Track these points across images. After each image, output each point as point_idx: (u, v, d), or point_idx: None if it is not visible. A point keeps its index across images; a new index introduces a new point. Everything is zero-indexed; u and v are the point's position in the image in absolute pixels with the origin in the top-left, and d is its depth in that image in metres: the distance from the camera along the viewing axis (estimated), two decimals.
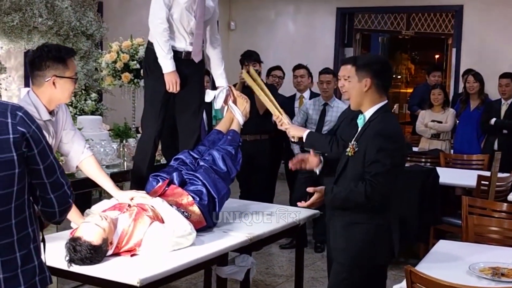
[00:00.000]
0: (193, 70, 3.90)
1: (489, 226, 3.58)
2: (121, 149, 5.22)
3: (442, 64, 13.00)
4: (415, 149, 7.02)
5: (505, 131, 6.66)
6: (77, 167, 3.38)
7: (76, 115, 6.06)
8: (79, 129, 4.93)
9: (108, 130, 5.54)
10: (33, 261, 1.93)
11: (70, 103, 6.36)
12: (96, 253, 2.79)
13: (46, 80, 2.96)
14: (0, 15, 5.65)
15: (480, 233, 3.59)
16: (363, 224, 2.99)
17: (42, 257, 2.00)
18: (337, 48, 9.52)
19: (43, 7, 5.94)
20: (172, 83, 3.74)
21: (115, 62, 5.72)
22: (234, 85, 5.68)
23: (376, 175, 2.87)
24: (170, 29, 3.78)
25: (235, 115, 4.04)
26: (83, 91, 6.53)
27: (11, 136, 1.84)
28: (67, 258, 2.77)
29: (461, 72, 8.59)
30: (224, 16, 10.17)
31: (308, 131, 3.63)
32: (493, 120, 6.69)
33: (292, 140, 3.76)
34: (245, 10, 10.17)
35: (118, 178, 4.91)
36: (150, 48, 3.86)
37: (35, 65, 2.99)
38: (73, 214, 3.02)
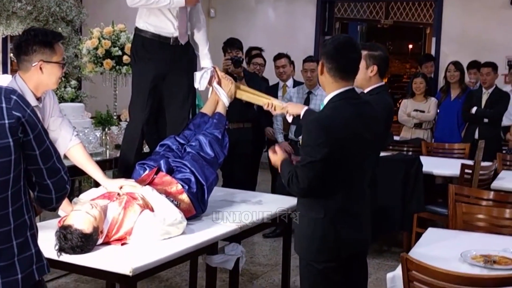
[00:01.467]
0: (181, 55, 3.85)
1: (478, 214, 3.59)
2: (103, 137, 5.14)
3: (420, 53, 13.10)
4: (396, 138, 7.06)
5: (485, 120, 6.71)
6: (64, 155, 3.30)
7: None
8: None
9: (90, 118, 5.46)
10: (30, 249, 1.88)
11: None
12: (87, 242, 2.74)
13: (33, 65, 2.89)
14: None
15: (468, 221, 3.60)
16: (303, 217, 2.84)
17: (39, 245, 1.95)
18: (317, 36, 9.49)
19: None
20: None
21: (96, 48, 5.62)
22: None
23: (296, 167, 2.72)
24: (157, 15, 3.71)
25: (220, 96, 3.97)
26: (63, 78, 6.42)
27: (6, 121, 1.78)
28: (57, 247, 2.71)
29: (441, 61, 8.64)
30: (204, 4, 10.02)
31: (306, 107, 3.52)
32: (474, 109, 6.73)
33: (288, 120, 3.70)
34: None
35: (101, 167, 4.83)
36: (137, 34, 3.80)
37: (21, 50, 2.91)
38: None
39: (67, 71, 6.38)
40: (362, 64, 3.73)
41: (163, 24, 3.76)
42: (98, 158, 4.82)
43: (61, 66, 2.97)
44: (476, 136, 6.65)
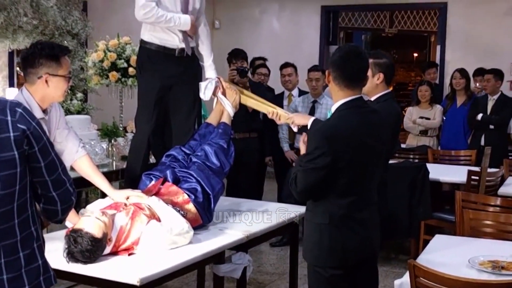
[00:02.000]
0: (186, 67, 3.87)
1: (485, 220, 3.59)
2: (110, 149, 5.17)
3: (424, 62, 13.09)
4: (402, 145, 7.05)
5: (491, 127, 6.71)
6: (71, 166, 3.32)
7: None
8: None
9: (96, 130, 5.49)
10: (37, 261, 1.88)
11: None
12: (97, 246, 2.76)
13: (39, 77, 2.91)
14: None
15: (475, 227, 3.60)
16: (310, 223, 2.86)
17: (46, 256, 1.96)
18: (322, 45, 9.52)
19: (28, 6, 5.87)
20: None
21: (102, 61, 5.65)
22: None
23: (298, 170, 2.75)
24: (162, 27, 3.75)
25: (225, 106, 3.99)
26: (69, 91, 6.46)
27: (11, 134, 1.79)
28: (66, 251, 2.73)
29: (446, 68, 8.64)
30: (208, 15, 10.03)
31: (312, 118, 3.55)
32: (479, 116, 6.73)
33: (294, 130, 3.71)
34: (230, 8, 10.14)
35: (108, 178, 4.85)
36: (142, 46, 3.82)
37: (28, 62, 2.94)
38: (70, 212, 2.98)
39: (73, 83, 6.42)
40: (368, 72, 3.76)
41: (168, 36, 3.78)
42: (105, 170, 4.85)
43: (67, 80, 2.99)
44: (482, 142, 6.64)
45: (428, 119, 7.00)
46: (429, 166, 5.51)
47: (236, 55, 5.88)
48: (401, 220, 5.32)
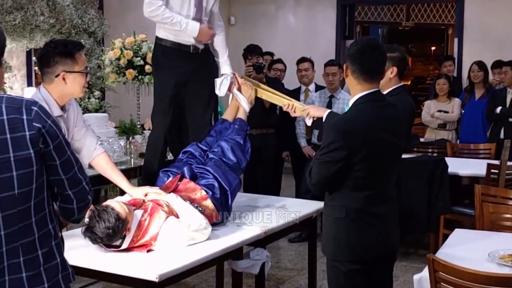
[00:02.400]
0: (201, 63, 3.87)
1: (505, 213, 3.55)
2: (127, 146, 5.19)
3: (442, 55, 12.99)
4: (421, 139, 7.00)
5: (510, 120, 6.63)
6: (89, 164, 3.34)
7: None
8: None
9: (114, 128, 5.51)
10: (55, 258, 1.89)
11: None
12: (118, 226, 2.80)
13: (56, 76, 2.93)
14: (2, 14, 5.61)
15: (495, 220, 3.56)
16: (328, 217, 2.85)
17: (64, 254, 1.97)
18: (338, 40, 9.48)
19: (44, 6, 5.92)
20: (207, 36, 3.76)
21: (118, 59, 5.68)
22: None
23: (314, 162, 2.75)
24: None
25: (240, 102, 3.98)
26: (87, 89, 6.49)
27: (27, 133, 1.79)
28: (86, 226, 2.79)
29: (464, 62, 8.56)
30: (224, 11, 10.10)
31: (328, 110, 3.52)
32: (498, 109, 6.66)
33: (307, 123, 3.69)
34: (245, 4, 10.13)
35: (126, 175, 4.87)
36: (157, 43, 3.84)
37: (43, 62, 2.96)
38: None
39: (90, 82, 6.46)
40: None
41: (180, 34, 3.79)
42: (123, 167, 4.86)
43: (84, 75, 3.00)
44: (502, 136, 6.57)
45: (447, 112, 6.94)
46: (448, 160, 5.48)
47: (252, 51, 5.87)
48: (420, 214, 5.30)
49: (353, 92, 2.83)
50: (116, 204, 2.89)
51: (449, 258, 2.86)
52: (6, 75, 4.90)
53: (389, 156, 2.83)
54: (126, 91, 5.94)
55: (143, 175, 4.11)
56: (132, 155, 5.13)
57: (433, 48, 16.99)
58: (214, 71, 4.02)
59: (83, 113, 5.96)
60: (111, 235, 2.81)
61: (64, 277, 1.92)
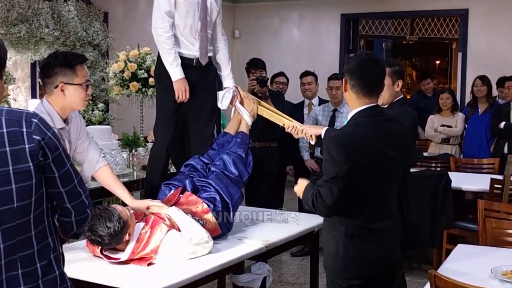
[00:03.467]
0: (204, 76, 3.88)
1: (508, 229, 3.53)
2: (130, 159, 5.19)
3: (447, 69, 13.00)
4: (424, 154, 6.98)
5: None
6: (92, 176, 3.34)
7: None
8: None
9: (117, 140, 5.52)
10: (54, 271, 1.88)
11: None
12: (119, 226, 2.83)
13: (55, 86, 2.93)
14: (7, 26, 5.64)
15: (498, 236, 3.54)
16: (328, 234, 2.82)
17: (63, 267, 1.96)
18: (342, 54, 9.49)
19: (49, 18, 5.94)
20: (181, 91, 3.73)
21: (122, 71, 5.70)
22: None
23: (319, 185, 2.68)
24: (177, 36, 3.78)
25: (242, 116, 4.00)
26: (90, 102, 6.51)
27: (26, 145, 1.78)
28: (89, 225, 2.79)
29: (467, 76, 8.56)
30: (228, 25, 10.16)
31: (326, 127, 3.53)
32: (502, 124, 6.64)
33: (311, 142, 3.70)
34: (249, 18, 10.17)
35: (129, 188, 4.88)
36: (160, 57, 3.84)
37: (44, 73, 2.97)
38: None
39: (94, 94, 6.48)
40: (388, 81, 3.77)
41: (184, 46, 3.80)
42: (126, 179, 4.87)
43: (85, 88, 2.99)
44: (506, 150, 6.54)
45: (450, 127, 6.93)
46: (451, 174, 5.46)
47: (255, 64, 5.86)
48: (423, 229, 5.28)
49: (352, 107, 2.82)
50: (118, 206, 2.94)
51: (451, 273, 2.84)
52: (10, 87, 4.92)
53: (390, 172, 2.80)
54: (129, 104, 5.95)
55: (145, 188, 4.11)
56: (135, 168, 5.14)
57: (437, 62, 16.98)
58: (216, 84, 4.03)
59: (87, 125, 6.06)
60: (112, 234, 2.81)
61: None
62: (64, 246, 3.04)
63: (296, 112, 6.43)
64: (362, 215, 2.74)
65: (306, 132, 3.69)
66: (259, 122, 4.78)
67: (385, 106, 3.88)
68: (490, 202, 4.03)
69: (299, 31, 9.98)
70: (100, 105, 6.51)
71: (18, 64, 6.40)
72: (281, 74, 6.57)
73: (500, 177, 5.23)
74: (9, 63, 6.07)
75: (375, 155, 2.71)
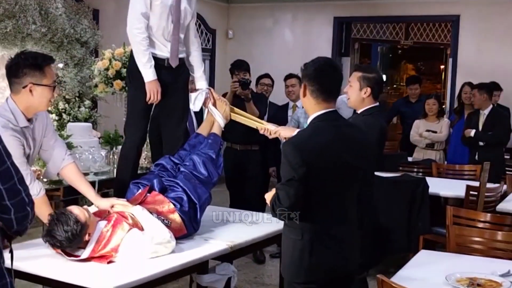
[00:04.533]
0: (176, 76, 3.92)
1: (470, 236, 3.56)
2: (110, 156, 5.23)
3: (441, 75, 13.02)
4: (409, 159, 7.01)
5: (481, 144, 6.61)
6: (58, 174, 3.38)
7: (69, 122, 6.09)
8: (69, 136, 4.99)
9: (100, 137, 5.56)
10: None
11: (63, 110, 6.40)
12: (76, 229, 2.84)
13: (23, 87, 2.97)
14: None
15: (462, 243, 3.57)
16: (286, 238, 2.84)
17: (2, 261, 1.97)
18: (334, 57, 9.50)
19: (37, 14, 5.98)
20: (153, 92, 3.76)
21: (107, 69, 5.73)
22: (225, 94, 5.70)
23: (277, 188, 2.71)
24: (150, 38, 3.82)
25: (215, 117, 4.03)
26: (77, 98, 6.56)
27: None
28: (46, 230, 2.84)
29: (457, 82, 8.58)
30: (222, 25, 10.20)
31: (298, 130, 3.58)
32: (472, 132, 6.61)
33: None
34: (243, 18, 10.20)
35: (107, 185, 4.93)
36: (133, 56, 3.87)
37: (12, 72, 3.00)
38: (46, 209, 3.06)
39: (81, 91, 6.52)
40: (356, 85, 3.82)
41: (157, 47, 3.84)
42: (104, 177, 4.93)
43: (52, 89, 3.03)
44: (477, 158, 6.56)
45: (435, 132, 6.96)
46: (432, 180, 5.48)
47: (239, 66, 5.89)
48: (399, 234, 5.29)
49: (310, 112, 2.85)
50: (75, 208, 2.94)
51: (406, 279, 2.89)
52: None
53: (347, 178, 2.81)
54: (114, 102, 5.98)
55: (114, 187, 4.14)
56: (115, 165, 5.16)
57: (442, 66, 16.94)
58: (187, 82, 4.06)
59: (72, 122, 6.10)
60: (70, 238, 2.84)
61: (2, 287, 1.93)
62: (27, 242, 3.11)
63: (280, 113, 6.48)
64: (319, 220, 2.76)
65: (279, 134, 3.72)
66: (240, 125, 4.81)
67: (358, 112, 3.91)
68: (457, 208, 4.06)
69: (292, 32, 10.00)
70: (87, 102, 6.55)
71: (5, 59, 6.40)
72: (266, 75, 6.59)
73: (476, 183, 5.25)
74: None
75: (333, 160, 2.74)
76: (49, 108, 6.26)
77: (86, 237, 2.94)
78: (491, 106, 6.65)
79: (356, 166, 2.83)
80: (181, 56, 3.92)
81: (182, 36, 3.91)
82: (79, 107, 6.50)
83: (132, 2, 3.81)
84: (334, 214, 2.79)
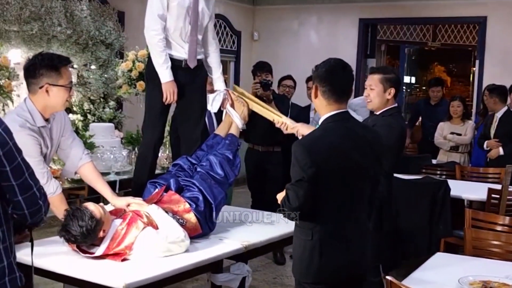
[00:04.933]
0: (193, 77, 3.95)
1: (487, 239, 3.52)
2: (132, 156, 5.29)
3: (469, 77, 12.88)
4: (433, 161, 6.94)
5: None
6: (76, 173, 3.44)
7: (94, 123, 6.17)
8: (91, 136, 5.07)
9: (122, 138, 5.63)
10: (2, 261, 1.96)
11: (88, 111, 6.49)
12: (91, 225, 2.89)
13: (40, 87, 3.03)
14: (19, 24, 5.78)
15: (479, 246, 3.53)
16: (297, 238, 2.85)
17: (13, 257, 2.03)
18: (359, 59, 9.47)
19: (62, 16, 6.06)
20: (169, 93, 3.80)
21: (130, 70, 5.82)
22: None
23: (287, 188, 2.73)
24: (167, 39, 3.85)
25: (233, 118, 4.05)
26: (102, 99, 6.64)
27: None
28: (62, 225, 2.91)
29: (484, 84, 8.47)
30: (247, 27, 10.23)
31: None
32: (501, 151, 6.53)
33: None
34: (269, 20, 10.22)
35: (128, 185, 4.98)
36: (150, 57, 3.92)
37: (29, 73, 3.08)
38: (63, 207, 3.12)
39: (106, 92, 6.60)
40: (379, 87, 3.83)
41: (174, 48, 3.88)
42: (125, 176, 4.98)
43: (68, 89, 3.10)
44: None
45: (460, 135, 6.89)
46: (456, 183, 5.43)
47: (261, 67, 5.91)
48: (421, 237, 5.27)
49: (322, 112, 2.85)
50: (90, 204, 2.99)
51: (418, 282, 2.88)
52: (13, 83, 5.06)
53: (358, 178, 2.80)
54: (137, 102, 6.05)
55: (132, 186, 4.19)
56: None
57: (474, 69, 16.71)
58: (204, 83, 4.09)
59: (97, 122, 6.19)
60: (85, 234, 2.89)
61: (11, 281, 1.98)
62: (45, 239, 3.17)
63: (302, 115, 6.46)
64: (329, 220, 2.76)
65: (298, 130, 3.72)
66: (261, 126, 4.81)
67: (377, 113, 3.91)
68: (476, 211, 4.02)
69: (317, 34, 9.99)
70: (111, 103, 6.63)
71: None
72: (288, 77, 6.59)
73: (498, 186, 5.19)
74: (22, 60, 6.22)
75: (342, 161, 2.74)
76: (75, 109, 6.39)
77: (101, 234, 2.98)
78: (505, 108, 6.57)
79: (367, 167, 2.83)
80: (199, 57, 3.95)
81: (200, 37, 3.94)
82: (103, 107, 6.57)
83: (149, 3, 3.85)
84: (344, 214, 2.79)
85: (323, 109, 2.84)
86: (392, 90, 3.83)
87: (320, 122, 2.87)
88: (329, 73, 2.80)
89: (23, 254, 2.54)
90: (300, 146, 2.72)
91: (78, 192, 4.73)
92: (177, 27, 3.83)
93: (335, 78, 2.80)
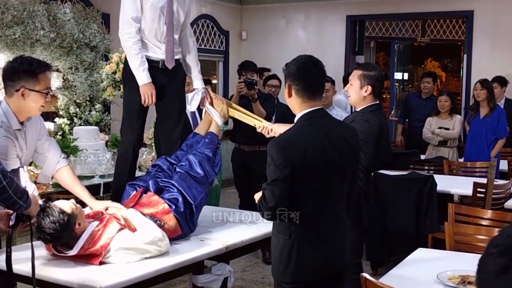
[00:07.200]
0: (172, 78, 3.92)
1: (468, 233, 3.51)
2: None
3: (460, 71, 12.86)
4: (422, 156, 6.94)
5: None
6: (53, 177, 3.42)
7: (80, 126, 6.15)
8: (75, 139, 5.05)
9: (107, 141, 5.62)
10: None
11: (75, 114, 6.47)
12: (63, 219, 2.86)
13: (16, 90, 3.02)
14: (2, 28, 5.76)
15: (460, 241, 3.52)
16: (275, 237, 2.83)
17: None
18: (347, 56, 9.46)
19: (45, 20, 6.04)
20: (147, 95, 3.77)
21: (114, 73, 5.80)
22: (231, 97, 5.72)
23: (263, 188, 2.70)
24: (143, 40, 3.83)
25: (212, 116, 4.02)
26: (88, 102, 6.62)
27: None
28: (36, 227, 2.87)
29: (472, 78, 8.48)
30: (235, 26, 10.21)
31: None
32: None
33: None
34: (256, 19, 10.20)
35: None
36: (127, 58, 3.90)
37: (7, 75, 3.07)
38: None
39: (91, 95, 6.58)
40: (357, 83, 3.82)
41: (151, 49, 3.85)
42: (110, 179, 4.95)
43: (44, 95, 3.08)
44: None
45: (447, 129, 6.88)
46: (443, 178, 5.42)
47: (246, 67, 5.90)
48: (408, 232, 5.26)
49: (297, 111, 2.84)
50: (58, 201, 2.98)
51: (396, 278, 2.86)
52: None
53: (335, 175, 2.79)
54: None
55: (112, 189, 4.17)
56: None
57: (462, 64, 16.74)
58: (183, 84, 4.07)
59: (84, 125, 6.16)
60: (59, 229, 2.86)
61: None
62: (24, 244, 3.15)
63: (289, 114, 6.44)
64: (306, 219, 2.74)
65: (275, 130, 3.70)
66: (246, 125, 4.79)
67: (358, 110, 3.90)
68: (458, 205, 4.01)
69: (305, 32, 9.98)
70: (98, 106, 6.61)
71: None
72: (274, 76, 6.58)
73: (484, 180, 5.18)
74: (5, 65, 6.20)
75: (318, 158, 2.72)
76: (61, 112, 6.38)
77: (77, 227, 2.95)
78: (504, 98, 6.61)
79: (343, 163, 2.82)
80: (177, 57, 3.92)
81: (176, 37, 3.91)
82: (90, 111, 6.55)
83: (122, 6, 3.83)
84: (322, 212, 2.78)
85: (298, 107, 2.83)
86: (369, 88, 3.81)
87: (295, 120, 2.85)
88: (301, 71, 2.78)
89: None
90: (275, 145, 2.70)
91: (69, 196, 4.70)
92: (152, 28, 3.81)
93: (308, 76, 2.78)
